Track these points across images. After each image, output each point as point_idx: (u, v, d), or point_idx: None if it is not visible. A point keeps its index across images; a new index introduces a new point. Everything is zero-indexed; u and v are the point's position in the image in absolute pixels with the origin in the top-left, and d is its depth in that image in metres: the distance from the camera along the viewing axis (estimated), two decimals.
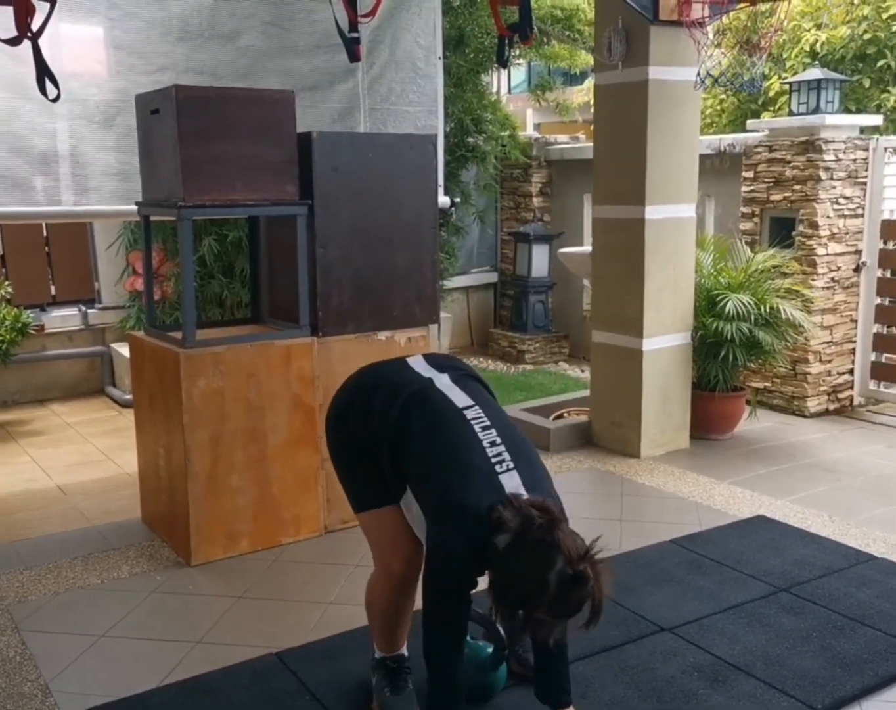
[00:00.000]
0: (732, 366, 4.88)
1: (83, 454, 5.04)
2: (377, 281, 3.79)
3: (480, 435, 2.16)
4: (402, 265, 3.85)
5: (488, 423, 2.19)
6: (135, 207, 3.83)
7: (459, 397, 2.25)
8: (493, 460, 2.12)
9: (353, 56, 3.82)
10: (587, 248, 5.22)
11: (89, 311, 6.53)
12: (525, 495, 2.07)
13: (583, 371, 7.18)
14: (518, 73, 15.45)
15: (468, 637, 2.38)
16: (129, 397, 6.01)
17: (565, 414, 5.35)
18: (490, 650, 2.45)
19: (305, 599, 3.15)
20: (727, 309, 4.75)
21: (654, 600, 3.04)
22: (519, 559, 1.93)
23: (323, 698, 2.47)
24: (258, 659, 2.69)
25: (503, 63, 4.45)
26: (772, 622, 2.87)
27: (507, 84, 15.20)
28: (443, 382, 2.30)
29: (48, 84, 3.12)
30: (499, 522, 1.98)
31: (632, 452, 4.76)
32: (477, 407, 2.23)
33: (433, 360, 2.43)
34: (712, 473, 4.45)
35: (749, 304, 4.77)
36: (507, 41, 4.29)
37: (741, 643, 2.74)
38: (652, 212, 4.59)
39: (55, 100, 3.17)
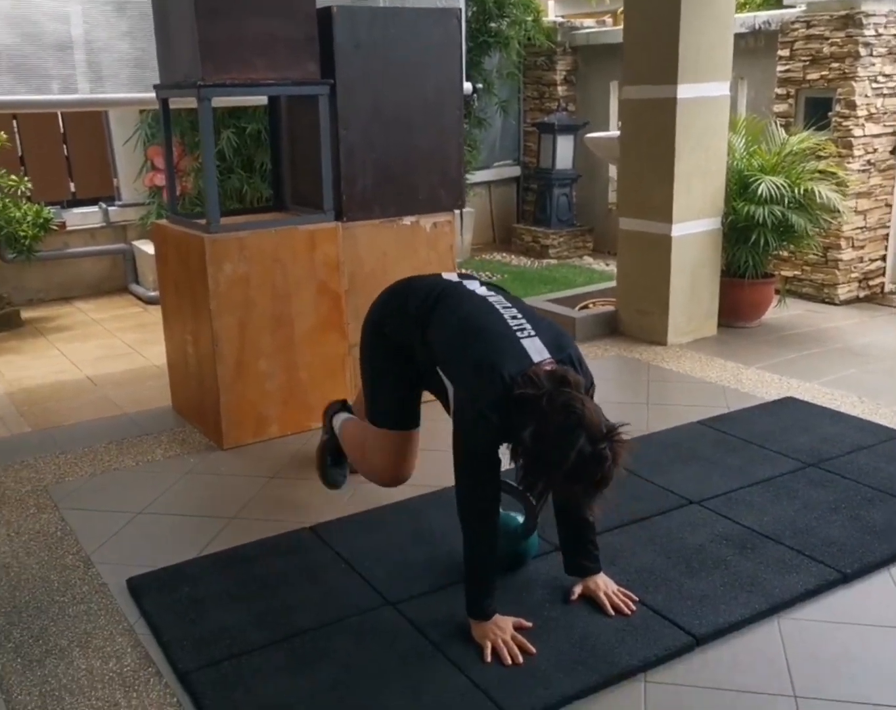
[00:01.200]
0: (763, 251, 4.79)
1: (111, 348, 5.08)
2: (401, 164, 3.71)
3: (502, 311, 2.26)
4: (426, 148, 3.76)
5: (509, 304, 2.31)
6: (152, 95, 3.75)
7: (485, 291, 2.39)
8: (514, 327, 2.19)
9: None
10: (615, 132, 5.08)
11: (110, 208, 6.50)
12: (549, 357, 2.11)
13: (607, 265, 7.10)
14: None
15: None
16: (153, 293, 6.05)
17: (591, 305, 5.31)
18: (521, 519, 2.47)
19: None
20: (759, 192, 4.63)
21: (683, 476, 3.05)
22: (544, 430, 1.94)
23: (358, 567, 2.52)
24: (293, 532, 2.74)
25: None
26: (800, 495, 2.87)
27: None
28: (472, 284, 2.43)
29: None
30: (526, 386, 2.00)
31: (658, 339, 4.73)
32: (500, 297, 2.36)
33: (465, 276, 2.54)
34: (740, 358, 4.42)
35: (782, 186, 4.65)
36: None
37: (770, 514, 2.75)
38: (684, 91, 4.44)
39: None
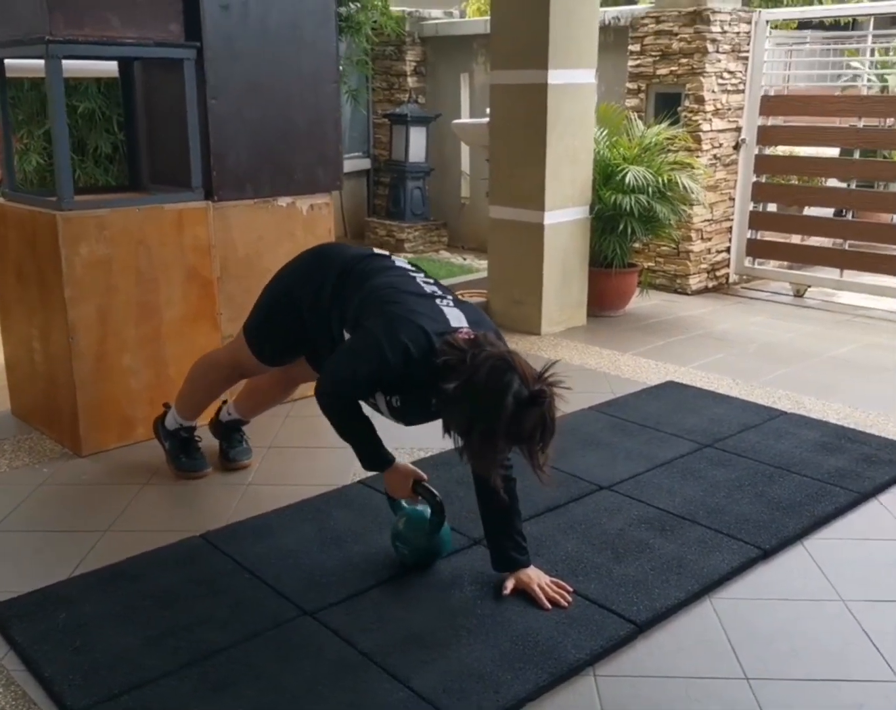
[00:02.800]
0: (630, 240, 4.87)
1: None
2: (275, 140, 3.44)
3: (418, 279, 2.26)
4: (302, 123, 3.51)
5: (431, 280, 2.32)
6: None
7: (400, 265, 2.37)
8: (433, 293, 2.18)
9: None
10: (483, 119, 5.00)
11: None
12: (467, 326, 2.09)
13: (465, 259, 7.05)
14: None
15: (404, 504, 2.35)
16: None
17: (460, 296, 5.20)
18: (428, 513, 2.31)
19: (220, 482, 2.90)
20: (626, 180, 4.70)
21: (587, 462, 2.99)
22: (475, 383, 1.89)
23: (263, 575, 2.26)
24: (181, 543, 2.44)
25: None
26: (704, 475, 2.88)
27: None
28: (386, 256, 2.43)
29: None
30: (448, 352, 1.97)
31: (532, 329, 4.70)
32: (416, 269, 2.35)
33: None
34: (614, 346, 4.45)
35: (646, 176, 4.74)
36: None
37: (679, 495, 2.73)
38: (554, 76, 4.42)
39: None
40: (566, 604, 2.14)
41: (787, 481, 2.82)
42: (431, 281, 2.29)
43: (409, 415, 2.21)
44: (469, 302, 2.29)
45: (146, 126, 3.56)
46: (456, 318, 2.10)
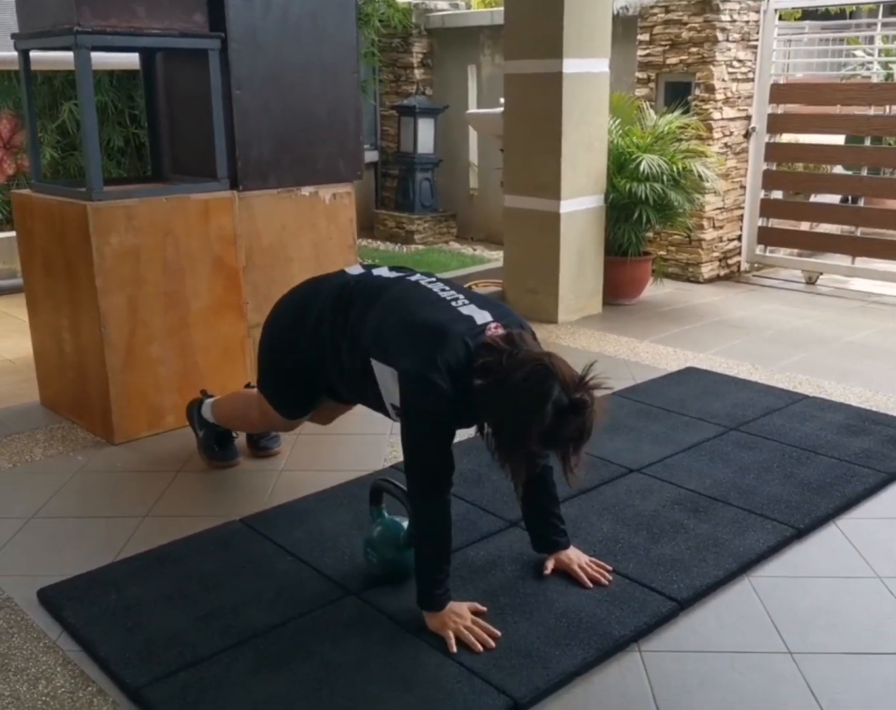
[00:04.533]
0: (645, 228, 4.89)
1: None
2: (298, 130, 3.46)
3: (429, 286, 2.16)
4: (323, 114, 3.53)
5: (433, 279, 2.20)
6: (6, 54, 3.31)
7: (399, 275, 2.28)
8: (447, 298, 2.08)
9: None
10: (497, 108, 5.02)
11: None
12: (492, 319, 2.01)
13: (475, 250, 7.08)
14: None
15: (384, 513, 2.24)
16: None
17: (474, 286, 5.23)
18: (405, 524, 2.19)
19: (253, 469, 2.93)
20: (641, 169, 4.72)
21: (615, 446, 3.01)
22: (513, 387, 1.82)
23: (305, 557, 2.28)
24: (221, 527, 2.46)
25: None
26: (732, 457, 2.90)
27: None
28: (381, 271, 2.32)
29: None
30: (486, 353, 1.89)
31: (549, 318, 4.72)
32: (419, 274, 2.25)
33: (366, 266, 2.46)
34: (631, 333, 4.48)
35: (660, 164, 4.76)
36: None
37: (710, 477, 2.76)
38: (569, 66, 4.43)
39: None
40: (606, 583, 2.17)
41: (815, 463, 2.85)
42: (434, 279, 2.23)
43: (463, 421, 2.08)
44: (486, 296, 2.21)
45: (167, 117, 3.58)
46: (480, 315, 2.02)
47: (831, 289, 5.50)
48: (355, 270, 2.40)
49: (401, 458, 2.42)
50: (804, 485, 2.69)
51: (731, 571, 2.23)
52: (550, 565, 2.22)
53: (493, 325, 1.99)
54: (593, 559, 2.24)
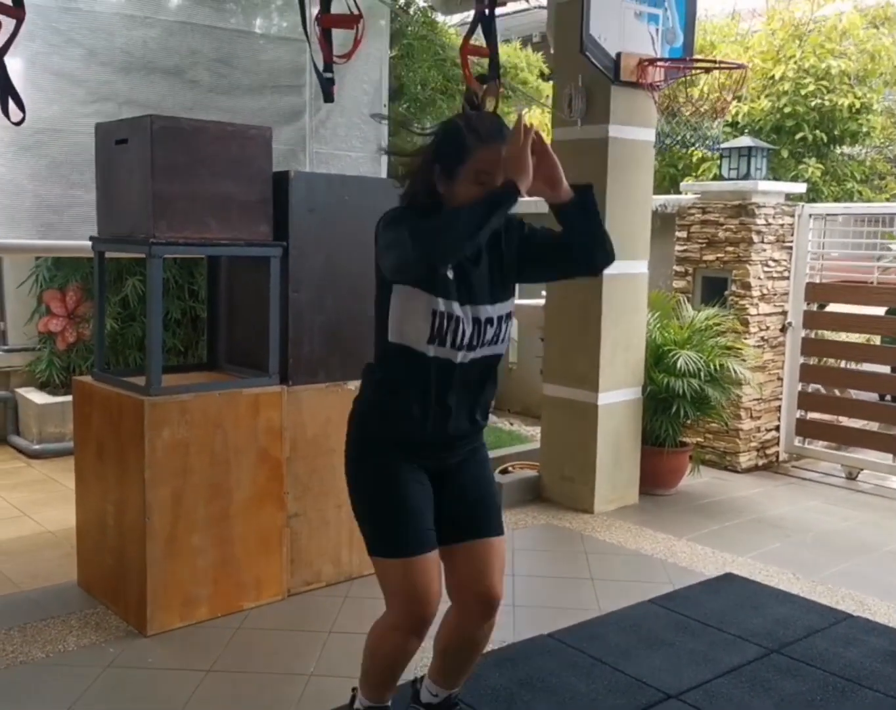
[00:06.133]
0: (683, 421, 4.94)
1: None
2: (348, 328, 3.61)
3: None
4: (371, 311, 3.68)
5: None
6: (82, 243, 3.56)
7: None
8: None
9: (329, 96, 3.71)
10: (539, 300, 5.20)
11: None
12: None
13: (511, 424, 7.13)
14: None
15: None
16: (37, 447, 5.57)
17: (510, 468, 5.27)
18: None
19: (281, 671, 2.90)
20: (678, 365, 4.81)
21: (651, 664, 2.95)
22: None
23: None
24: None
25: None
26: (774, 686, 2.82)
27: None
28: None
29: (12, 105, 2.86)
30: None
31: (584, 507, 4.71)
32: None
33: None
34: (668, 529, 4.45)
35: (698, 361, 4.85)
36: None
37: None
38: (609, 268, 4.59)
39: (19, 123, 2.89)
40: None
41: (858, 697, 2.75)
42: None
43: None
44: None
45: (226, 309, 3.77)
46: None
47: (872, 486, 5.44)
48: None
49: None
50: None
51: None
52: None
53: None
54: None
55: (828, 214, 5.82)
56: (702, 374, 4.85)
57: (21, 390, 5.90)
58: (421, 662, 2.68)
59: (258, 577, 3.42)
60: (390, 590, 2.17)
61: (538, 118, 8.37)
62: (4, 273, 6.05)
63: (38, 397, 5.70)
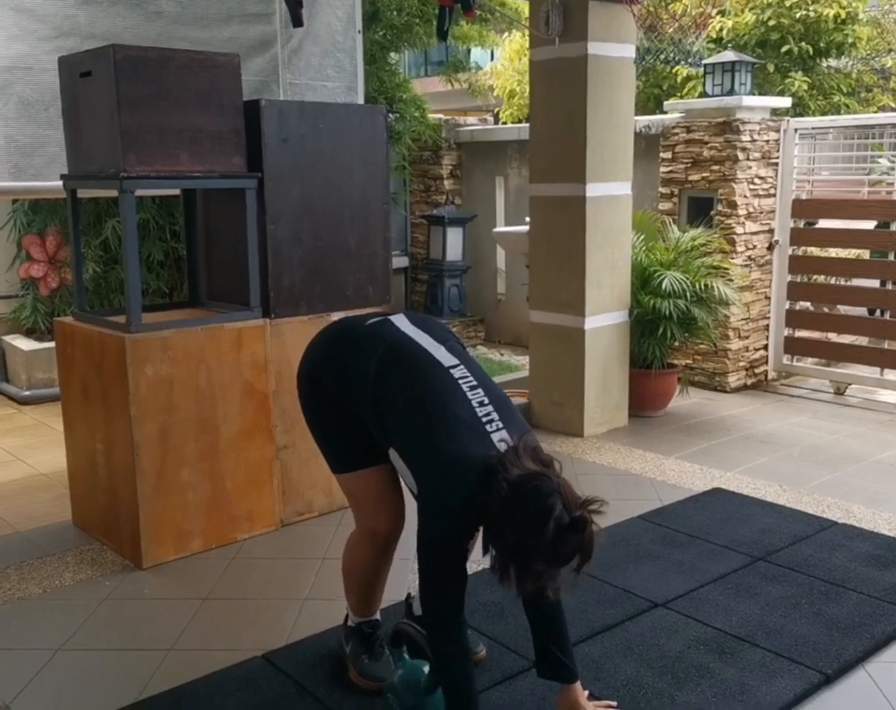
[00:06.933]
0: (669, 342, 4.94)
1: None
2: (329, 259, 3.59)
3: (469, 394, 2.05)
4: (353, 243, 3.66)
5: (475, 383, 2.09)
6: (53, 184, 3.50)
7: (445, 356, 2.14)
8: (483, 419, 2.01)
9: (297, 20, 3.63)
10: (523, 227, 5.16)
11: None
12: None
13: (502, 354, 7.15)
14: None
15: (405, 654, 2.21)
16: (27, 393, 5.57)
17: None
18: (426, 668, 2.13)
19: (277, 597, 2.95)
20: (664, 286, 4.80)
21: (640, 576, 3.00)
22: (516, 506, 1.83)
23: (329, 701, 2.29)
24: (243, 663, 2.48)
25: (443, 35, 4.32)
26: (759, 592, 2.88)
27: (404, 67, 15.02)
28: (425, 340, 2.19)
29: None
30: (495, 470, 1.88)
31: (574, 431, 4.75)
32: (463, 367, 2.12)
33: (415, 318, 2.29)
34: (657, 449, 4.48)
35: (683, 281, 4.83)
36: (448, 12, 4.17)
37: (737, 614, 2.73)
38: (592, 189, 4.57)
39: None
40: None
41: (843, 599, 2.81)
42: (475, 382, 2.08)
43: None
44: (508, 401, 2.11)
45: (205, 246, 3.73)
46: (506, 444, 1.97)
47: (860, 400, 5.48)
48: (401, 323, 2.25)
49: None
50: (832, 624, 2.65)
51: None
52: None
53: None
54: (600, 704, 2.21)
55: (814, 128, 5.74)
56: (688, 295, 4.84)
57: (7, 338, 5.88)
58: (414, 577, 2.72)
59: (251, 509, 3.45)
60: (350, 505, 2.34)
61: (519, 43, 8.20)
62: None
63: (24, 344, 5.68)
